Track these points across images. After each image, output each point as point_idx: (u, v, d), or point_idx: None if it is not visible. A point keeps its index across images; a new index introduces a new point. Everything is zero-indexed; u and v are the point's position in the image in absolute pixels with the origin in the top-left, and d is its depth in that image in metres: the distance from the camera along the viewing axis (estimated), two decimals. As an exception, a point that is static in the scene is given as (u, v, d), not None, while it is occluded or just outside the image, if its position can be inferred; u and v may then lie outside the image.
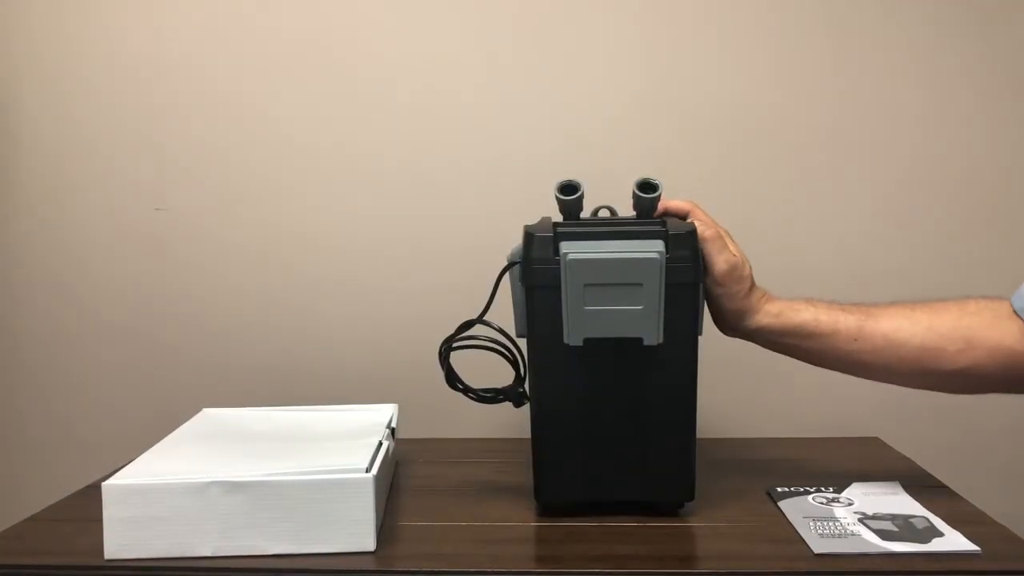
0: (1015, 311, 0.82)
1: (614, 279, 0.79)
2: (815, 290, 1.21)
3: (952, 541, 0.79)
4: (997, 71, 1.18)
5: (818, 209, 1.21)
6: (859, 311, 0.86)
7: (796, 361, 0.90)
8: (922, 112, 1.19)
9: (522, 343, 0.86)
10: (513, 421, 1.02)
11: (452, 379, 0.90)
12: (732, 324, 0.87)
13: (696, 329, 0.84)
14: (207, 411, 1.06)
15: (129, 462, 0.84)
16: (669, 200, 0.88)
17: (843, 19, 1.18)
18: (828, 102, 1.19)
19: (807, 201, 1.21)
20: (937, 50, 1.18)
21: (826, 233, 1.21)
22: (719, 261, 0.83)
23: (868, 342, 0.84)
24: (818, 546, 0.77)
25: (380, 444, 0.88)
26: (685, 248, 0.81)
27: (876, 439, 1.18)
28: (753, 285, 0.86)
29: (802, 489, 0.93)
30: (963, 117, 1.19)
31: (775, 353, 0.89)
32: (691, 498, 0.86)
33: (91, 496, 0.84)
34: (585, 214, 0.89)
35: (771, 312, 0.86)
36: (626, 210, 0.90)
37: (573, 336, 0.81)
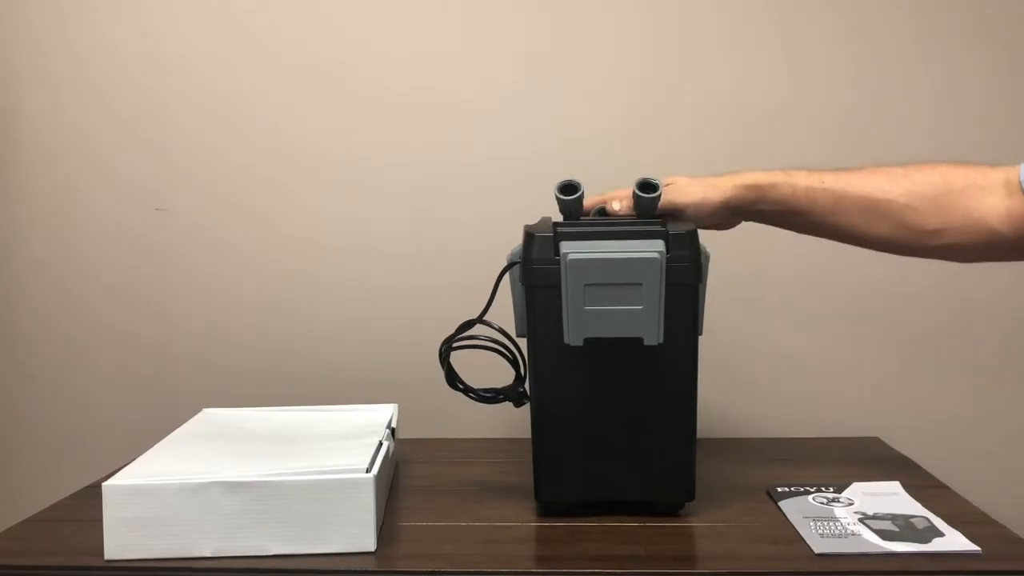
0: (1021, 185, 0.78)
1: (614, 279, 0.79)
2: (817, 289, 1.21)
3: (952, 541, 0.79)
4: (1006, 70, 1.18)
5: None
6: (838, 176, 0.86)
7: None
8: (929, 111, 1.19)
9: (522, 343, 0.86)
10: (513, 421, 1.02)
11: (452, 379, 0.90)
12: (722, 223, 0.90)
13: (696, 329, 0.84)
14: (207, 411, 1.06)
15: (129, 462, 0.84)
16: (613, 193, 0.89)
17: (849, 17, 1.18)
18: (832, 100, 1.19)
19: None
20: (945, 48, 1.18)
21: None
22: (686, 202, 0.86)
23: (851, 203, 0.84)
24: (818, 546, 0.78)
25: (380, 444, 0.88)
26: (685, 248, 0.81)
27: (876, 439, 1.18)
28: (710, 181, 0.87)
29: (802, 489, 0.93)
30: (971, 115, 1.19)
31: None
32: (691, 498, 0.86)
33: (91, 496, 0.85)
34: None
35: (744, 185, 0.87)
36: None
37: (573, 336, 0.81)
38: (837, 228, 0.86)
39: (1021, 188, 0.78)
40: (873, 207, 0.83)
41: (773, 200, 0.85)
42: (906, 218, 0.82)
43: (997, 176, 0.80)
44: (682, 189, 0.87)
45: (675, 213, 0.87)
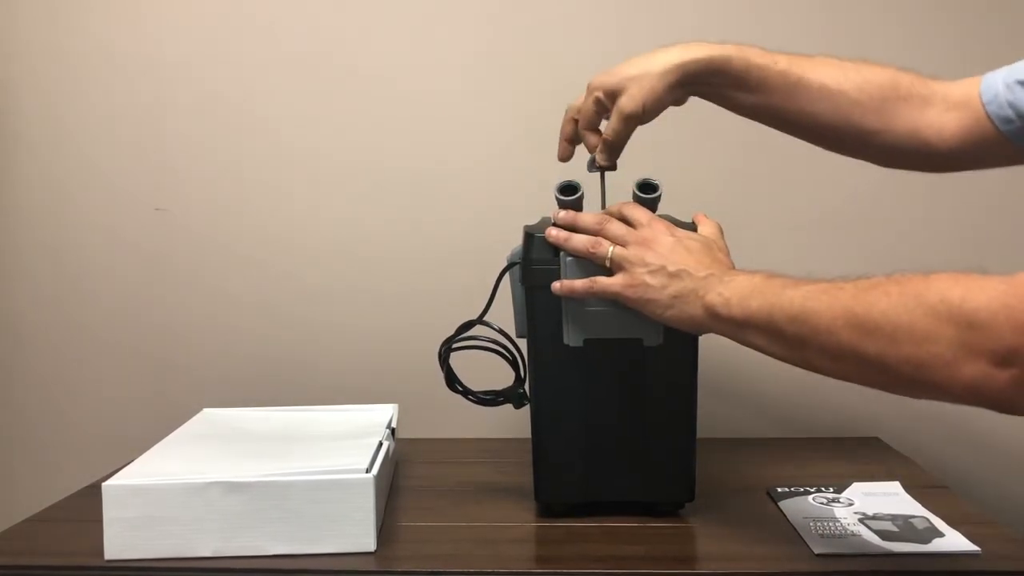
0: (982, 103, 0.78)
1: (614, 279, 0.78)
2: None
3: (952, 541, 0.79)
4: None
5: (814, 202, 1.21)
6: (791, 60, 0.83)
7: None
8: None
9: (522, 344, 0.86)
10: (513, 421, 1.02)
11: (452, 381, 0.90)
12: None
13: (696, 329, 0.83)
14: (207, 411, 1.06)
15: (129, 462, 0.84)
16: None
17: (840, 7, 1.19)
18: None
19: (806, 196, 1.21)
20: (934, 40, 1.18)
21: (822, 224, 1.21)
22: None
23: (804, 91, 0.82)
24: (818, 546, 0.77)
25: (380, 444, 0.88)
26: (685, 248, 0.81)
27: (876, 439, 1.18)
28: (657, 64, 0.82)
29: (802, 489, 0.93)
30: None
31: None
32: (691, 498, 0.86)
33: (91, 496, 0.85)
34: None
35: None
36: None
37: (573, 337, 0.81)
38: (782, 111, 0.84)
39: (981, 99, 0.78)
40: (824, 96, 0.82)
41: (724, 74, 0.82)
42: (852, 113, 0.82)
43: (937, 89, 0.81)
44: (633, 95, 0.81)
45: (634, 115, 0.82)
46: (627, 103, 0.80)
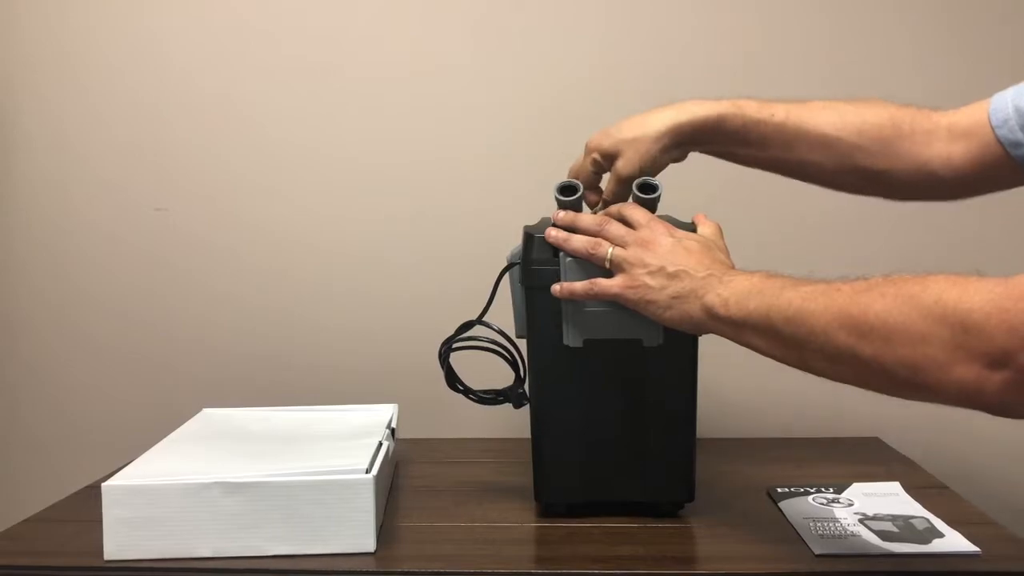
0: (992, 127, 0.77)
1: (614, 280, 0.78)
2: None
3: (952, 542, 0.79)
4: (995, 67, 1.18)
5: (814, 202, 1.20)
6: (789, 110, 0.82)
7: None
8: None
9: (522, 344, 0.86)
10: (513, 421, 1.02)
11: (452, 380, 0.90)
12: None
13: (696, 329, 0.83)
14: (207, 411, 1.06)
15: (129, 462, 0.84)
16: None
17: (840, 6, 1.19)
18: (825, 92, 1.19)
19: (805, 196, 1.20)
20: (938, 42, 1.18)
21: (822, 224, 1.21)
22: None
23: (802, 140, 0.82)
24: (818, 547, 0.77)
25: (380, 444, 0.88)
26: (685, 248, 0.81)
27: (876, 439, 1.18)
28: (649, 127, 0.83)
29: (802, 489, 0.93)
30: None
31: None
32: (691, 498, 0.86)
33: (91, 496, 0.85)
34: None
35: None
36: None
37: (573, 337, 0.81)
38: (783, 162, 0.84)
39: (990, 123, 0.77)
40: (824, 144, 0.82)
41: (720, 132, 0.82)
42: (855, 157, 0.82)
43: (940, 121, 0.81)
44: (630, 159, 0.82)
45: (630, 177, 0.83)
46: (624, 167, 0.82)
